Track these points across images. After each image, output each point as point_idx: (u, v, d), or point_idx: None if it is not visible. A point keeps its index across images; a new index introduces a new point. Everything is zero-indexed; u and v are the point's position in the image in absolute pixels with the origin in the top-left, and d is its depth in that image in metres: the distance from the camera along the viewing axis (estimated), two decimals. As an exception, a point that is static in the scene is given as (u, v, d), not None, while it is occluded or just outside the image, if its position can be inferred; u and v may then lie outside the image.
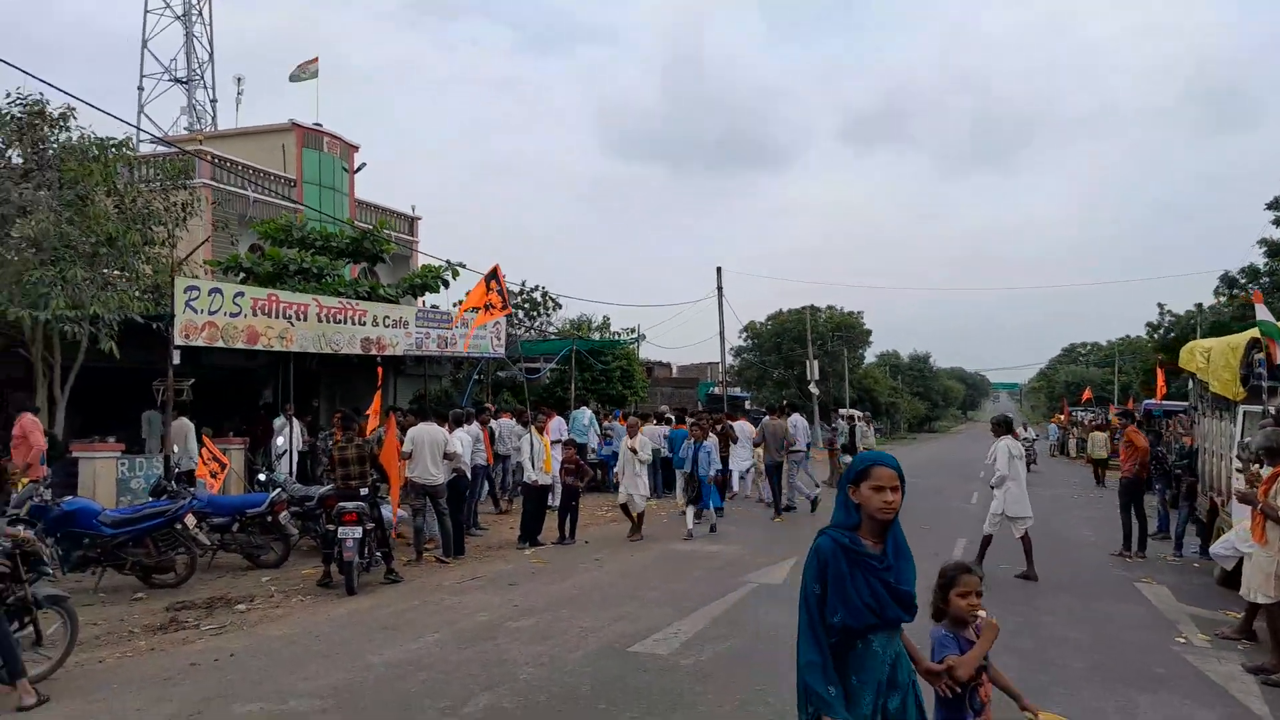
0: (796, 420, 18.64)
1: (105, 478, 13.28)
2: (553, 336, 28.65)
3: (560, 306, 29.08)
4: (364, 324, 17.02)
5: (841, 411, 46.37)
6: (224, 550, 10.87)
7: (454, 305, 24.51)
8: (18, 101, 11.95)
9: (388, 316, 17.72)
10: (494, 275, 14.09)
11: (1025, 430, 30.52)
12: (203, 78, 39.34)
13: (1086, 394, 48.44)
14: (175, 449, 13.10)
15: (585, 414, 19.72)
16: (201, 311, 13.64)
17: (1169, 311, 54.45)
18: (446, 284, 20.56)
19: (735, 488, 18.53)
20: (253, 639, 7.52)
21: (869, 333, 70.22)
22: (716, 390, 49.05)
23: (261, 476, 12.50)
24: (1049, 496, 21.43)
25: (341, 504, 9.28)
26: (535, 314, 29.40)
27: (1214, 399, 10.43)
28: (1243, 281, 27.85)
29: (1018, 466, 10.50)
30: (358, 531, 9.12)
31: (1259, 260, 27.81)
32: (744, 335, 65.30)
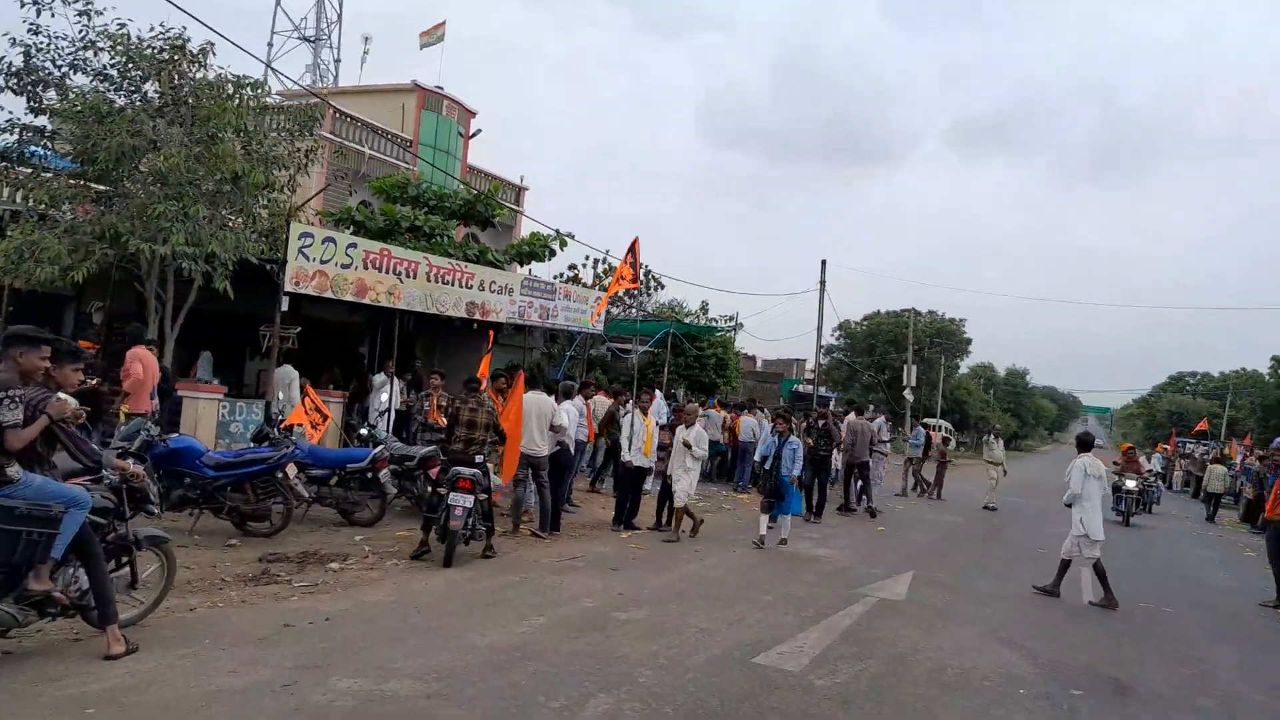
0: (881, 422, 18.55)
1: (207, 419, 13.20)
2: (650, 318, 28.08)
3: (663, 287, 28.40)
4: (470, 287, 16.71)
5: (927, 421, 44.80)
6: (319, 503, 10.58)
7: (555, 277, 24.20)
8: (160, 36, 11.80)
9: (494, 282, 17.37)
10: (632, 248, 13.64)
11: (1149, 462, 28.82)
12: (329, 37, 39.84)
13: (1202, 424, 45.75)
14: (280, 396, 12.92)
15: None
16: (313, 260, 13.43)
17: (1298, 346, 51.18)
18: (554, 253, 20.13)
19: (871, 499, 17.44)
20: (349, 603, 7.12)
21: (969, 341, 68.10)
22: (801, 387, 48.05)
23: (364, 431, 12.21)
24: (1164, 531, 20.07)
25: (457, 468, 8.83)
26: (635, 293, 28.83)
27: None
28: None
29: (1092, 486, 10.18)
30: (469, 500, 8.67)
31: None
32: (837, 334, 63.83)
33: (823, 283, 39.52)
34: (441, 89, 27.99)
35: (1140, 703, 6.26)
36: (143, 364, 9.78)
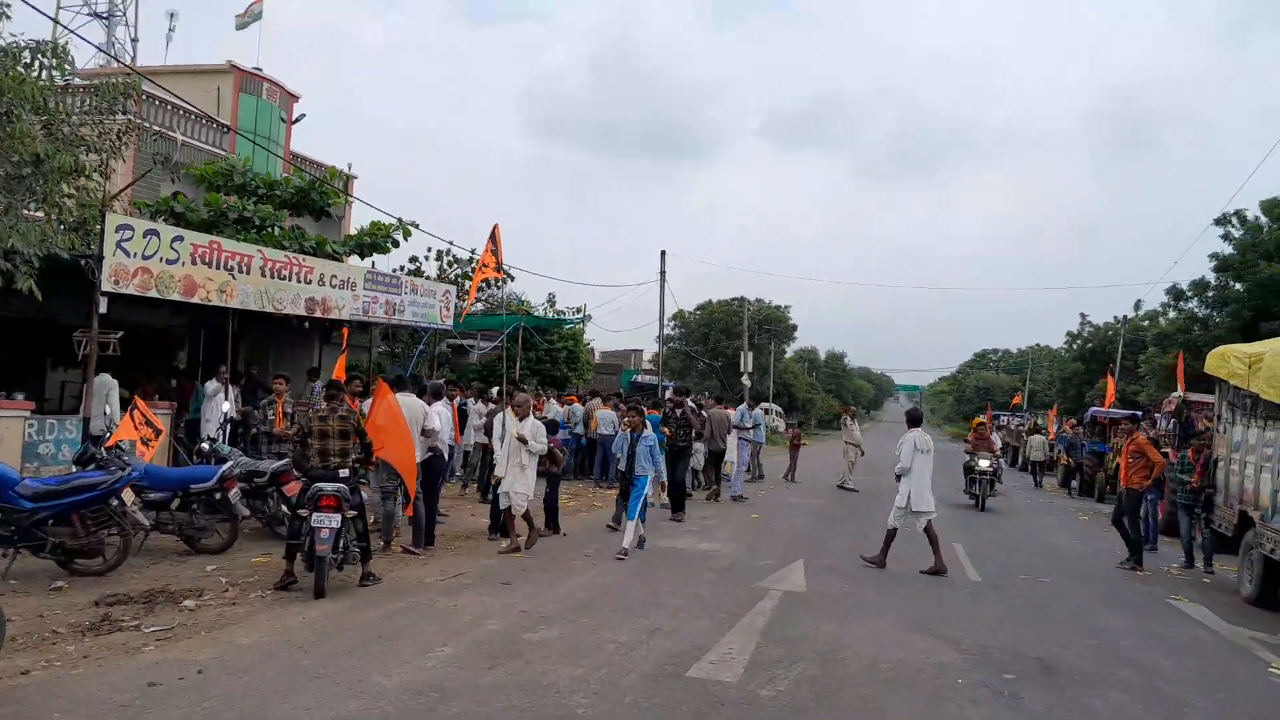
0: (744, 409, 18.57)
1: (10, 440, 11.51)
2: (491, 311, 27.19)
3: (513, 279, 27.48)
4: (309, 282, 15.45)
5: (763, 405, 46.06)
6: (158, 531, 9.34)
7: (397, 269, 22.95)
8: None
9: (335, 276, 16.16)
10: (493, 236, 12.82)
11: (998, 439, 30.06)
12: (124, 14, 36.31)
13: (1016, 399, 49.13)
14: (106, 410, 11.42)
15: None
16: (135, 255, 11.99)
17: (1089, 322, 55.98)
18: (397, 244, 19.01)
19: (736, 487, 17.30)
20: (219, 648, 6.17)
21: (794, 327, 70.46)
22: (640, 378, 48.22)
23: (204, 445, 10.93)
24: (1008, 505, 21.15)
25: (318, 485, 7.85)
26: (494, 282, 27.76)
27: (1257, 406, 9.87)
28: (1190, 294, 28.13)
29: (921, 460, 10.59)
30: (335, 520, 7.72)
31: (1207, 274, 28.13)
32: (672, 324, 64.51)
33: (663, 273, 39.66)
34: (261, 70, 25.98)
35: (1071, 681, 6.26)
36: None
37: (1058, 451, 28.28)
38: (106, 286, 11.46)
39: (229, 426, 13.49)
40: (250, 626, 6.75)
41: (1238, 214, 28.60)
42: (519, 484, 10.16)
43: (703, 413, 16.45)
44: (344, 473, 8.03)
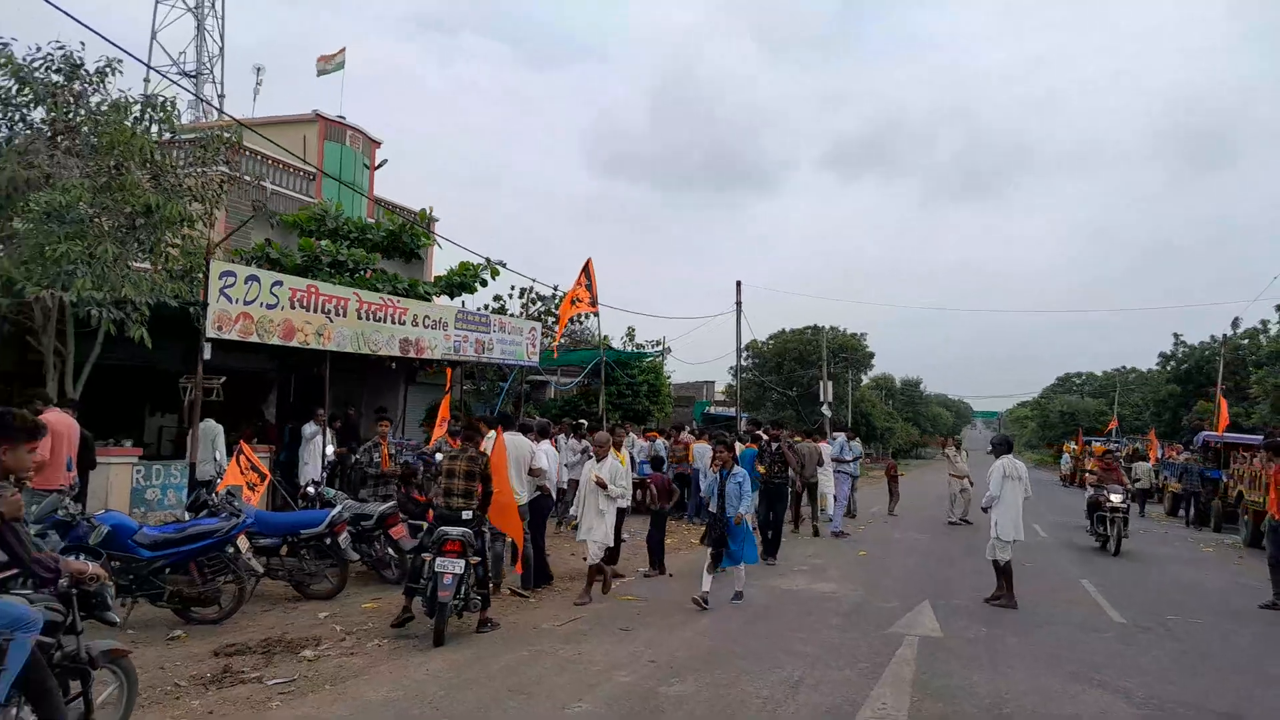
0: (843, 441, 17.79)
1: (119, 487, 11.66)
2: (582, 347, 27.08)
3: (597, 314, 27.37)
4: (403, 324, 15.48)
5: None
6: (268, 577, 9.23)
7: (483, 308, 23.02)
8: (51, 54, 10.32)
9: (428, 317, 16.18)
10: (586, 269, 12.61)
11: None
12: (211, 72, 37.59)
13: (1113, 423, 47.29)
14: (215, 456, 11.47)
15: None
16: (236, 301, 12.08)
17: (1183, 342, 53.82)
18: (485, 283, 19.01)
19: (837, 523, 16.62)
20: (347, 705, 5.93)
21: (871, 355, 69.27)
22: (712, 409, 47.70)
23: (310, 490, 10.85)
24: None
25: (444, 529, 7.64)
26: (574, 319, 27.71)
27: None
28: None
29: (1010, 487, 10.23)
30: (459, 565, 7.49)
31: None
32: (746, 354, 63.93)
33: (739, 303, 39.29)
34: (344, 118, 26.51)
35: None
36: (55, 430, 8.31)
37: (1164, 478, 26.95)
38: (211, 333, 11.54)
39: (327, 469, 13.49)
40: (375, 679, 6.51)
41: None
42: (596, 530, 9.51)
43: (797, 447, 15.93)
44: (466, 515, 7.79)
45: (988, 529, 10.44)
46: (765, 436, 14.52)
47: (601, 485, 9.44)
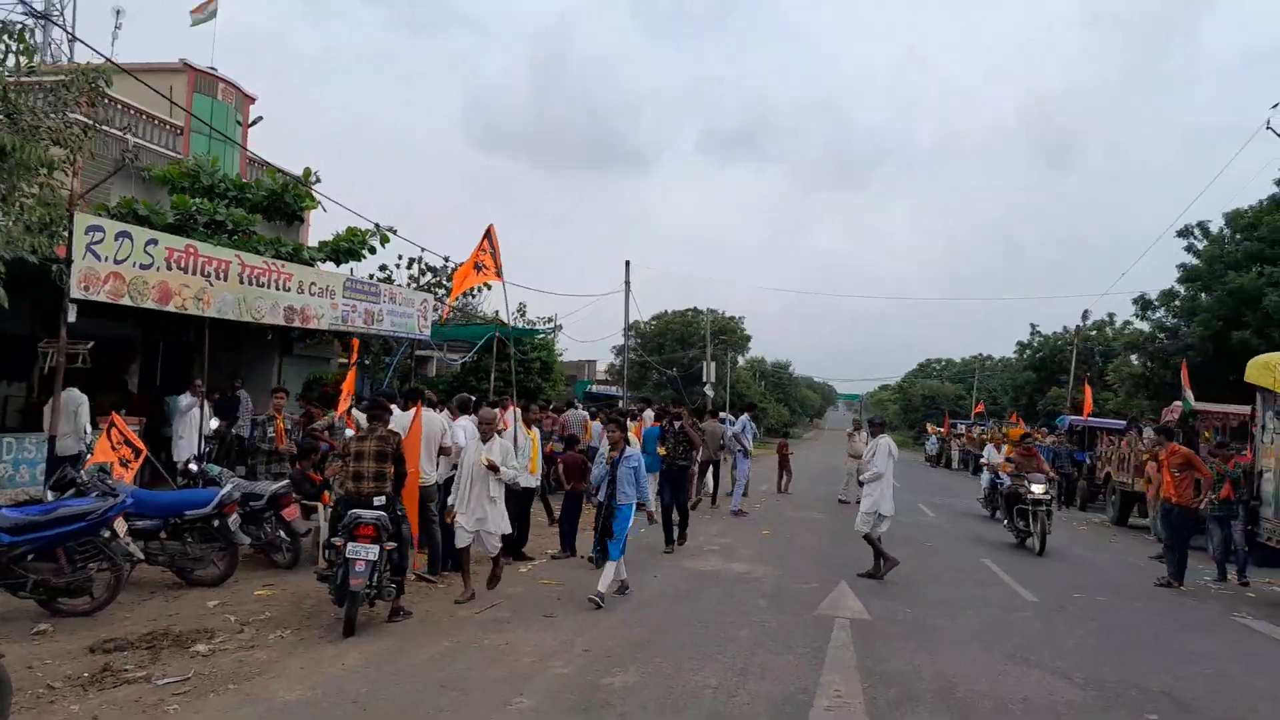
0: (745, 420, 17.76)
1: (-37, 464, 10.40)
2: (475, 321, 26.22)
3: (489, 288, 26.49)
4: (288, 290, 14.47)
5: (722, 415, 45.43)
6: (146, 563, 8.34)
7: (369, 277, 21.88)
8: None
9: (314, 283, 15.19)
10: (489, 235, 11.91)
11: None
12: (62, 14, 34.45)
13: (980, 407, 49.43)
14: (89, 429, 10.37)
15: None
16: (106, 259, 10.97)
17: (1039, 332, 56.77)
18: (373, 250, 18.02)
19: (736, 502, 16.47)
20: (256, 704, 5.30)
21: (749, 337, 70.39)
22: (595, 388, 47.49)
23: (192, 467, 9.90)
24: (980, 509, 20.74)
25: (355, 512, 6.98)
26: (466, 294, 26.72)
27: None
28: (1158, 305, 28.36)
29: (891, 467, 10.62)
30: (373, 552, 6.86)
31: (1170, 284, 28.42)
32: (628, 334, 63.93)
33: (627, 282, 39.16)
34: (215, 70, 24.74)
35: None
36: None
37: (1032, 460, 28.18)
38: (76, 293, 10.44)
39: (203, 445, 12.46)
40: (284, 676, 5.87)
41: (1200, 225, 29.02)
42: (491, 518, 8.20)
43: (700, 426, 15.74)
44: (379, 500, 7.15)
45: (863, 504, 10.62)
46: (670, 415, 14.19)
47: (493, 468, 8.12)
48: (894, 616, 8.28)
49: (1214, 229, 28.42)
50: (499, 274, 12.90)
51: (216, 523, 8.37)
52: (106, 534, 7.27)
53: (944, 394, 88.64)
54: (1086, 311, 48.64)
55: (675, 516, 12.06)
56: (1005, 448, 17.95)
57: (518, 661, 6.29)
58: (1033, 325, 56.69)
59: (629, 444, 9.13)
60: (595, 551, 8.85)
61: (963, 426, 47.08)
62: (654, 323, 64.08)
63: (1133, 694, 6.08)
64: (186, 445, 12.70)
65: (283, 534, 9.50)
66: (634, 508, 8.69)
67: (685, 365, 61.61)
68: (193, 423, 12.65)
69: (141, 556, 7.85)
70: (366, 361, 21.91)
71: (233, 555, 8.61)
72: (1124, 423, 23.19)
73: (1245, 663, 7.33)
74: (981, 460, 19.90)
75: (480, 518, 8.16)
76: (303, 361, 21.88)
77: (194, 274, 12.40)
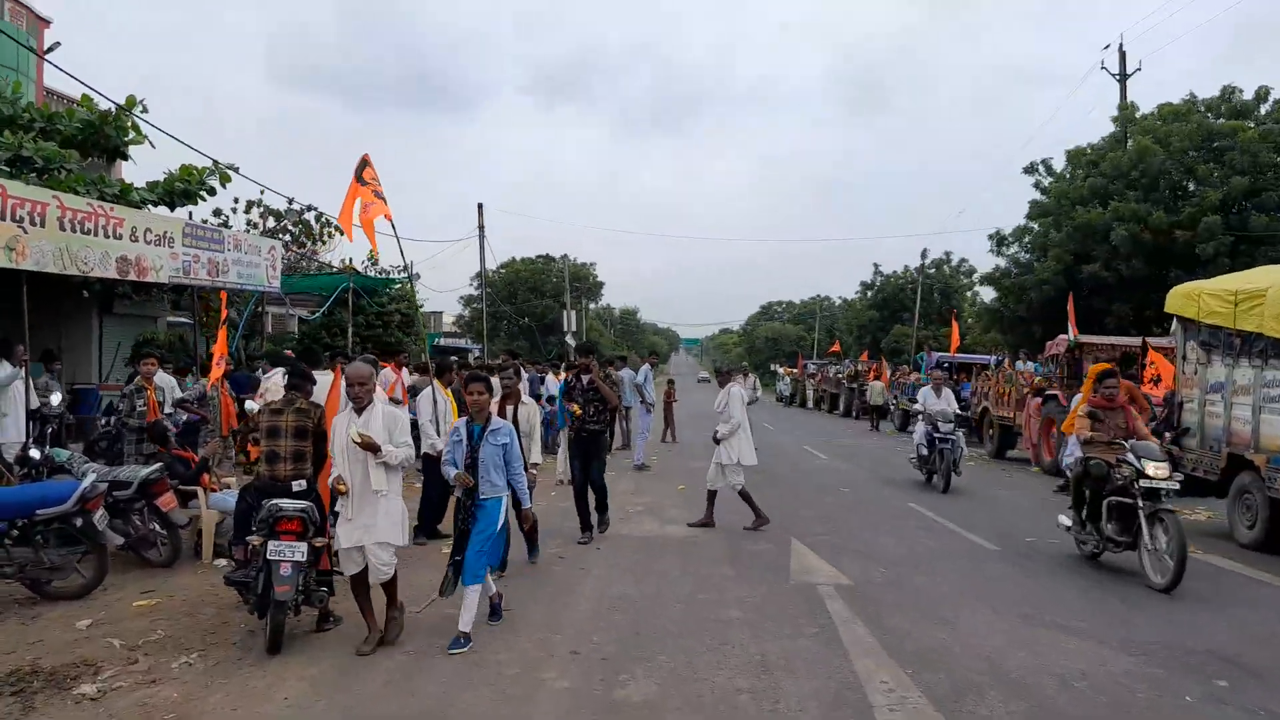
0: (646, 369, 16.99)
1: None
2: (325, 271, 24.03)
3: (343, 233, 24.26)
4: (119, 237, 12.44)
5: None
6: (-13, 575, 6.69)
7: (218, 218, 19.51)
8: None
9: (149, 230, 13.16)
10: (365, 165, 10.31)
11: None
12: None
13: (835, 347, 50.62)
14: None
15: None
16: (-108, 200, 8.89)
17: (880, 271, 58.74)
18: (213, 191, 15.88)
19: (640, 456, 15.66)
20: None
21: (601, 284, 69.72)
22: (441, 341, 45.69)
23: (34, 452, 8.09)
24: (866, 447, 20.95)
25: (276, 503, 5.61)
26: (303, 243, 24.42)
27: (1249, 344, 9.53)
28: (1010, 240, 29.40)
29: (745, 414, 10.23)
30: (300, 550, 5.54)
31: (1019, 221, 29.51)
32: (474, 283, 61.90)
33: (481, 227, 37.43)
34: (1, -14, 21.23)
35: None
36: None
37: (895, 396, 28.87)
38: None
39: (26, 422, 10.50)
40: (207, 716, 4.61)
41: (1044, 163, 30.23)
42: (380, 528, 5.68)
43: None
44: (298, 485, 5.83)
45: (717, 455, 10.15)
46: (575, 367, 11.80)
47: (369, 447, 5.60)
48: (871, 578, 7.70)
49: (1056, 166, 29.67)
50: (386, 205, 11.40)
51: (79, 521, 6.78)
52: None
53: (786, 335, 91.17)
54: (925, 250, 50.48)
55: (591, 497, 9.51)
56: (1077, 397, 11.86)
57: (500, 674, 5.23)
58: (875, 265, 58.55)
59: (492, 411, 6.38)
60: (449, 569, 6.03)
61: (813, 366, 48.16)
62: (502, 271, 62.27)
63: (1193, 659, 5.62)
64: (10, 426, 10.67)
65: (157, 527, 7.95)
66: (503, 503, 6.12)
67: (538, 315, 60.35)
68: (16, 398, 10.61)
69: (-13, 572, 6.24)
70: (204, 319, 19.69)
71: (101, 560, 7.04)
72: (990, 358, 23.91)
73: (1234, 628, 6.98)
74: (916, 407, 15.46)
75: (366, 524, 5.66)
76: (127, 321, 19.40)
77: (2, 219, 10.34)
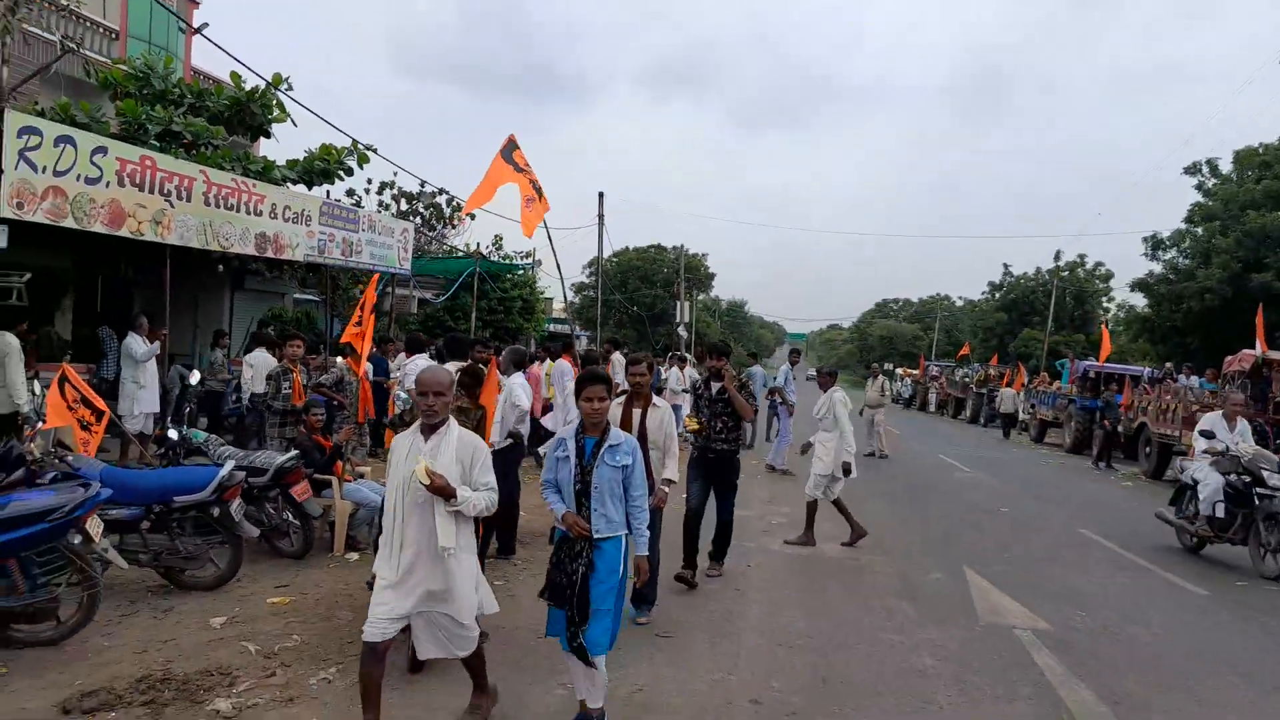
0: (786, 369, 16.15)
1: None
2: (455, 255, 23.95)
3: (474, 218, 24.24)
4: (259, 214, 12.36)
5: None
6: (124, 563, 6.37)
7: (351, 198, 19.54)
8: None
9: (289, 207, 13.07)
10: (514, 146, 9.80)
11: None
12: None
13: (965, 349, 48.52)
14: (36, 390, 8.26)
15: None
16: (44, 170, 8.80)
17: (1010, 272, 56.11)
18: (350, 172, 15.76)
19: (782, 460, 14.71)
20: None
21: (713, 275, 68.75)
22: (551, 328, 45.53)
23: (172, 433, 7.82)
24: (1008, 459, 19.62)
25: None
26: (433, 226, 24.42)
27: None
28: (1169, 244, 27.26)
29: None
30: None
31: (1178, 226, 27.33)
32: (587, 271, 61.88)
33: (601, 215, 36.95)
34: (155, -35, 21.74)
35: None
36: None
37: (1033, 407, 27.12)
38: (8, 211, 8.29)
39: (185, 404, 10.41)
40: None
41: (1209, 163, 27.89)
42: (456, 591, 4.21)
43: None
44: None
45: (815, 466, 9.35)
46: (709, 368, 7.71)
47: (444, 493, 4.05)
48: (1071, 624, 6.73)
49: (1223, 168, 27.36)
50: (542, 196, 10.89)
51: (216, 510, 6.42)
52: (77, 537, 5.32)
53: (902, 334, 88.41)
54: (1059, 252, 47.98)
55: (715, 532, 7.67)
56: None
57: (677, 716, 4.56)
58: (1005, 265, 55.97)
59: (610, 424, 4.67)
60: (561, 636, 4.41)
61: (935, 368, 46.18)
62: (615, 259, 61.99)
63: None
64: (148, 397, 10.61)
65: (290, 517, 7.59)
66: (623, 544, 4.47)
67: (648, 304, 59.89)
68: (151, 374, 10.54)
69: (125, 565, 5.91)
70: (334, 298, 19.73)
71: (236, 551, 6.68)
72: (1144, 370, 22.10)
73: None
74: (1202, 445, 9.72)
75: (430, 590, 4.17)
76: (256, 297, 19.65)
77: (152, 192, 10.28)
